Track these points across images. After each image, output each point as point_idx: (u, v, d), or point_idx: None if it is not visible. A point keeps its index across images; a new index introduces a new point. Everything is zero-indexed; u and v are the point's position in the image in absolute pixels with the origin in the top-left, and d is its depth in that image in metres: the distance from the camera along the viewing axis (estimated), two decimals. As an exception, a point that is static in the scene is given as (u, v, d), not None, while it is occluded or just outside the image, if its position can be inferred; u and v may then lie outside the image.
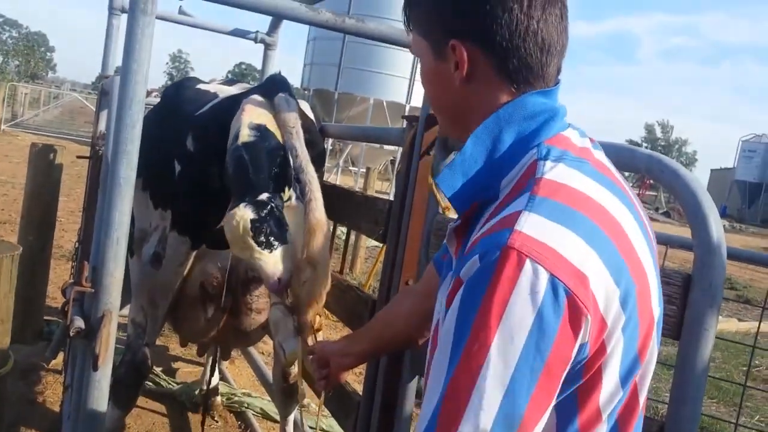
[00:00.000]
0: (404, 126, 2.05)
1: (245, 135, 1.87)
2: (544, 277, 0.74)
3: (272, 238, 1.79)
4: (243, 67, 77.00)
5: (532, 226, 0.78)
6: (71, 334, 1.56)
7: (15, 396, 3.13)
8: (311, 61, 16.14)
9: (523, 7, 0.90)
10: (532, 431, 0.75)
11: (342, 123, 13.96)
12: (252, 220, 1.75)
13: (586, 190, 0.85)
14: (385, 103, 14.79)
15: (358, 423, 1.94)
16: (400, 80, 14.87)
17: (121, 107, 1.52)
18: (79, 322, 1.56)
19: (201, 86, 2.49)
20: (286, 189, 1.88)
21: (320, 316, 1.79)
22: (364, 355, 1.49)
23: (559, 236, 0.78)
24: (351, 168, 17.18)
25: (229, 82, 2.81)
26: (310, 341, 1.74)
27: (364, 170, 13.43)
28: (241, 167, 1.84)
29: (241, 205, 1.77)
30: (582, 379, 0.82)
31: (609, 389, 0.84)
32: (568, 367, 0.77)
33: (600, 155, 0.95)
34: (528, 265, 0.75)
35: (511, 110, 0.93)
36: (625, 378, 0.85)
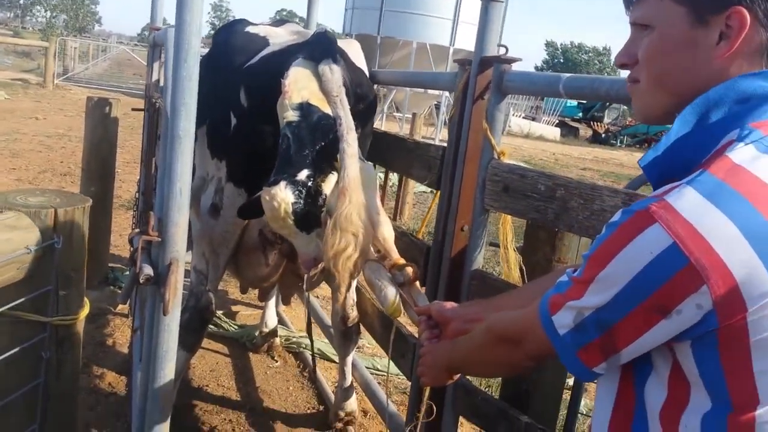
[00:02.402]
0: (456, 70, 2.02)
1: (289, 116, 1.91)
2: (664, 243, 0.78)
3: (310, 221, 1.85)
4: (284, 13, 76.21)
5: (680, 198, 0.80)
6: (141, 281, 1.61)
7: (86, 338, 3.32)
8: (352, 5, 15.82)
9: None
10: (621, 342, 0.85)
11: (385, 68, 13.73)
12: (293, 203, 1.80)
13: (764, 176, 0.80)
14: (428, 47, 14.44)
15: (415, 363, 1.99)
16: (442, 22, 14.40)
17: (177, 60, 1.50)
18: (148, 270, 1.60)
19: (250, 29, 2.48)
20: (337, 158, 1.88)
21: (412, 267, 1.77)
22: None
23: (704, 214, 0.78)
24: (395, 114, 17.02)
25: (278, 22, 2.80)
26: (406, 294, 1.72)
27: (409, 116, 13.29)
28: (284, 145, 1.89)
29: (282, 185, 1.80)
30: (720, 348, 0.81)
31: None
32: (682, 327, 0.80)
33: None
34: (654, 228, 0.79)
35: (722, 92, 0.87)
36: None
